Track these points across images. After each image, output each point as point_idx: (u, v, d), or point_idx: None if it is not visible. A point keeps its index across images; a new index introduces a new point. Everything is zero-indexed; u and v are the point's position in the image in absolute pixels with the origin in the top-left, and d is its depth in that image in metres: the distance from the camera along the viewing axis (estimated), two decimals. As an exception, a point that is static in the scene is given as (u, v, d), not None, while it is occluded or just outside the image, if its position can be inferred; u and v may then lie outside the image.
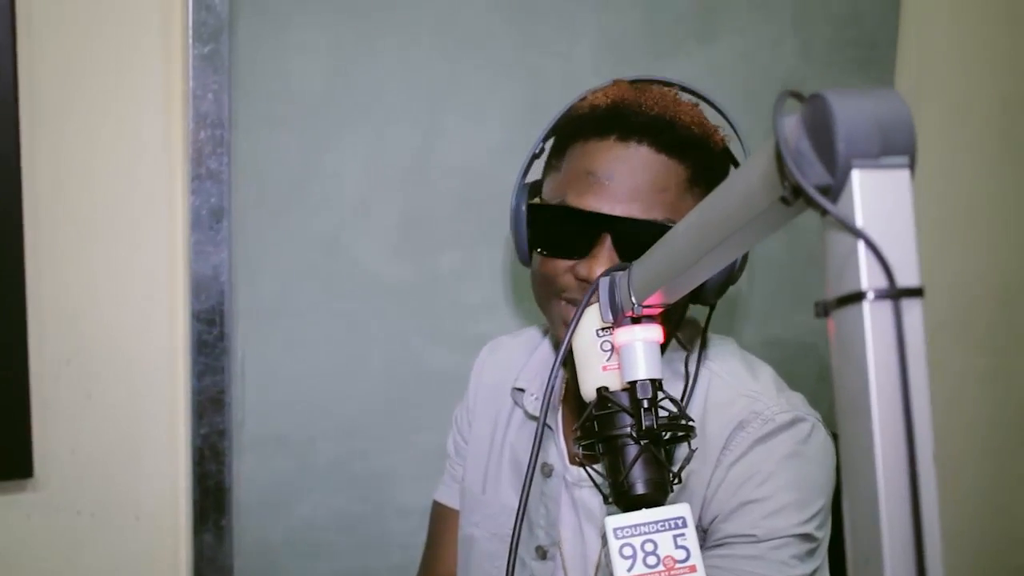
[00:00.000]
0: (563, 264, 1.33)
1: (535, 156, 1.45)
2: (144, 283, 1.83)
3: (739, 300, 2.25)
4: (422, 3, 1.97)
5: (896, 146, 0.62)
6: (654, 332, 1.05)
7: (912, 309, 0.61)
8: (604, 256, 1.28)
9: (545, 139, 1.43)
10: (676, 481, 1.08)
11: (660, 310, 1.05)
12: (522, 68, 2.05)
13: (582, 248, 1.31)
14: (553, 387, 1.13)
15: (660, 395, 1.05)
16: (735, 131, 1.39)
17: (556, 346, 1.44)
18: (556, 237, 1.35)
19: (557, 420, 1.48)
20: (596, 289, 1.10)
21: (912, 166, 0.63)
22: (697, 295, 1.37)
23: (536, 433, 1.13)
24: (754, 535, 1.28)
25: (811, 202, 0.64)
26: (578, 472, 1.43)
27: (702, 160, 1.32)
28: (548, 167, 1.42)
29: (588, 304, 1.11)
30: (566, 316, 1.34)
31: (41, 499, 1.81)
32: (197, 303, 1.84)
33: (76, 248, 1.78)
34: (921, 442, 0.61)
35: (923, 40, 2.37)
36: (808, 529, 1.28)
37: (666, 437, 1.07)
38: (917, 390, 0.60)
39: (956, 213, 2.42)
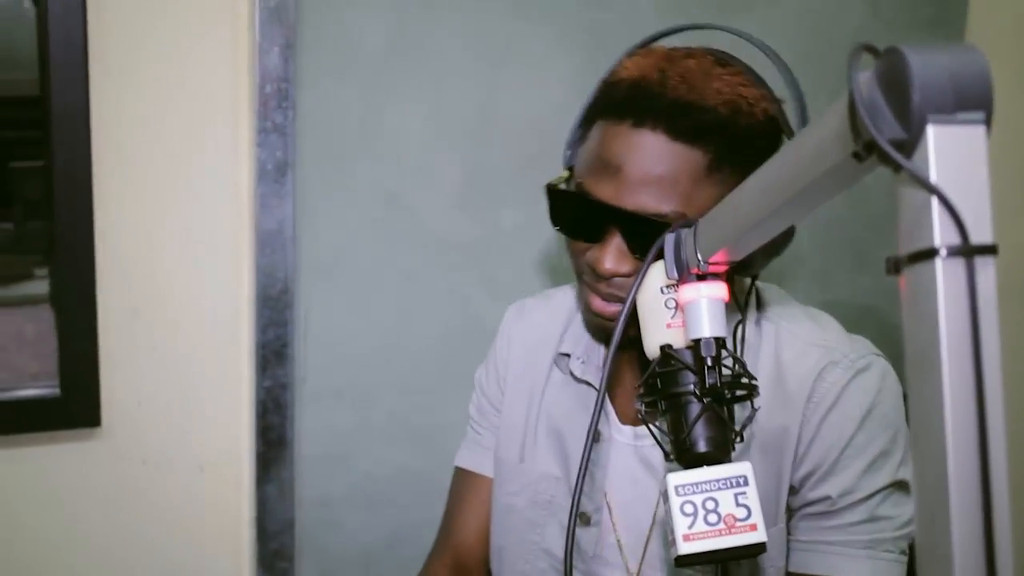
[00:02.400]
0: (579, 246, 1.32)
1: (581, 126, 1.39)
2: (210, 236, 1.85)
3: (798, 261, 2.24)
4: (485, -41, 1.96)
5: (972, 102, 0.62)
6: (719, 290, 1.04)
7: (986, 267, 0.60)
8: (613, 248, 1.26)
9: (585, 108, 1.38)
10: (739, 440, 1.08)
11: (726, 267, 1.04)
12: (584, 23, 2.04)
13: (593, 235, 1.28)
14: (612, 352, 1.12)
15: (724, 353, 1.05)
16: (798, 91, 1.29)
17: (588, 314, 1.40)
18: (569, 220, 1.33)
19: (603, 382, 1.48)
20: (662, 246, 1.09)
21: (988, 122, 0.62)
22: (740, 266, 1.34)
23: (597, 401, 1.12)
24: (855, 494, 1.29)
25: (885, 157, 0.63)
26: (631, 431, 1.43)
27: (727, 141, 1.24)
28: (580, 137, 1.38)
29: (653, 260, 1.11)
30: (585, 297, 1.33)
31: (108, 448, 1.85)
32: (262, 256, 1.86)
33: (143, 201, 1.80)
34: (991, 400, 0.60)
35: (995, -2, 2.33)
36: (901, 475, 1.31)
37: (729, 396, 1.07)
38: (989, 348, 0.60)
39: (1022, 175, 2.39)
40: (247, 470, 1.94)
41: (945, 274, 0.60)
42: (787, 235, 1.28)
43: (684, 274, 1.06)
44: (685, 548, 1.01)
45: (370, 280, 1.99)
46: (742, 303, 1.40)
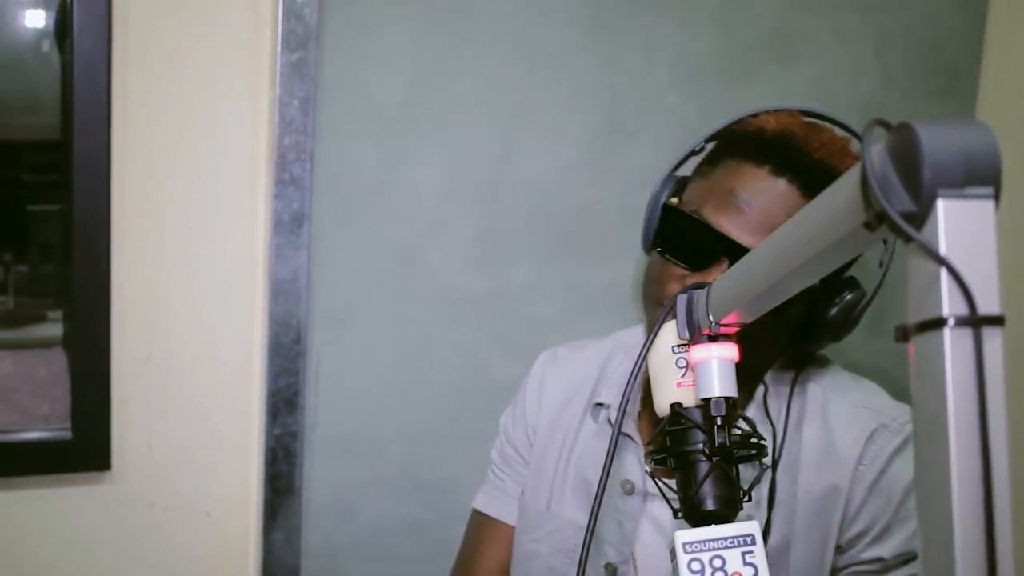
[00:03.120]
0: (676, 271, 1.35)
1: (694, 152, 1.45)
2: (224, 284, 1.87)
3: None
4: (502, 19, 1.99)
5: (981, 177, 0.64)
6: (730, 351, 1.06)
7: (992, 337, 0.62)
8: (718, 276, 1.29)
9: (709, 139, 1.44)
10: (746, 499, 1.09)
11: (736, 329, 1.06)
12: (600, 86, 2.07)
13: (700, 263, 1.32)
14: (629, 396, 1.14)
15: (735, 414, 1.07)
16: None
17: None
18: (679, 243, 1.37)
19: (638, 435, 1.49)
20: (674, 305, 1.11)
21: (997, 197, 0.64)
22: (812, 336, 1.38)
23: (610, 444, 1.15)
24: (906, 555, 1.33)
25: (896, 228, 0.65)
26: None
27: None
28: (698, 170, 1.43)
29: (665, 320, 1.13)
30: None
31: (117, 491, 1.86)
32: (275, 305, 1.88)
33: (160, 248, 1.82)
34: (997, 470, 0.62)
35: (1006, 69, 2.36)
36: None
37: (737, 455, 1.08)
38: (995, 418, 0.61)
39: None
40: (254, 517, 1.95)
41: (953, 343, 0.62)
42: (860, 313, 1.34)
43: (695, 334, 1.08)
44: (694, 606, 1.03)
45: (382, 332, 2.00)
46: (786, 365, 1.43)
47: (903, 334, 0.66)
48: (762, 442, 1.09)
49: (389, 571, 2.07)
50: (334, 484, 2.02)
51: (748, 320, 1.04)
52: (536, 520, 1.58)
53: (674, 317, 1.12)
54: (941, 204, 0.64)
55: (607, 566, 1.47)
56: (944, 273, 0.62)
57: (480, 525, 1.69)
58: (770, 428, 1.36)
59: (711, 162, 1.40)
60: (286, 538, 1.95)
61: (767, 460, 1.14)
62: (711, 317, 1.05)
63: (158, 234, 1.82)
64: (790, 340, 1.40)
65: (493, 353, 2.07)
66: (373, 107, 1.94)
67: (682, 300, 1.11)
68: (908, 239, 0.65)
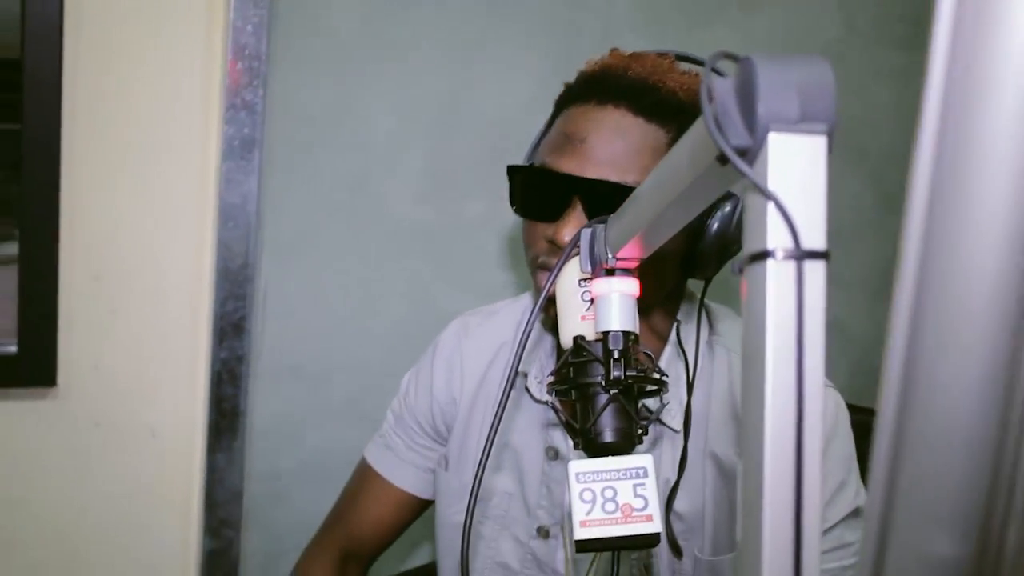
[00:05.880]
0: (539, 228, 1.34)
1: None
2: (175, 207, 1.88)
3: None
4: (463, -48, 2.00)
5: (816, 113, 0.65)
6: (630, 285, 1.07)
7: (815, 271, 0.63)
8: (574, 219, 1.28)
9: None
10: (643, 433, 1.11)
11: (635, 264, 1.07)
12: (558, 22, 2.07)
13: (554, 211, 1.31)
14: (525, 343, 1.15)
15: (635, 349, 1.08)
16: None
17: (544, 321, 1.43)
18: (529, 199, 1.37)
19: (559, 403, 1.50)
20: (578, 240, 1.13)
21: (830, 134, 0.65)
22: (692, 267, 1.36)
23: (499, 401, 1.15)
24: (823, 524, 1.32)
25: (728, 162, 0.67)
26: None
27: (688, 124, 1.29)
28: (541, 132, 1.44)
29: (570, 255, 1.14)
30: (540, 286, 1.35)
31: (62, 408, 1.88)
32: (224, 230, 1.90)
33: (111, 170, 1.83)
34: (810, 395, 0.63)
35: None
36: (859, 502, 1.35)
37: (636, 390, 1.10)
38: (812, 348, 0.63)
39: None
40: (199, 438, 1.97)
41: (775, 275, 0.64)
42: (736, 238, 1.31)
43: (596, 268, 1.09)
44: (582, 533, 1.04)
45: (331, 262, 2.02)
46: (690, 316, 1.43)
47: (739, 268, 0.68)
48: (663, 378, 1.11)
49: (330, 495, 2.09)
50: (279, 409, 2.05)
51: (643, 255, 1.05)
52: (462, 492, 1.56)
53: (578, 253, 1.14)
54: (772, 138, 0.65)
55: (539, 529, 1.49)
56: (771, 207, 0.64)
57: (364, 476, 1.70)
58: (684, 367, 1.37)
59: (550, 120, 1.41)
60: (229, 460, 1.98)
61: (667, 398, 1.15)
62: (608, 252, 1.06)
63: (109, 155, 1.83)
64: (681, 268, 1.39)
65: (442, 286, 2.09)
66: (329, 35, 1.95)
67: (586, 235, 1.11)
68: (742, 173, 0.66)
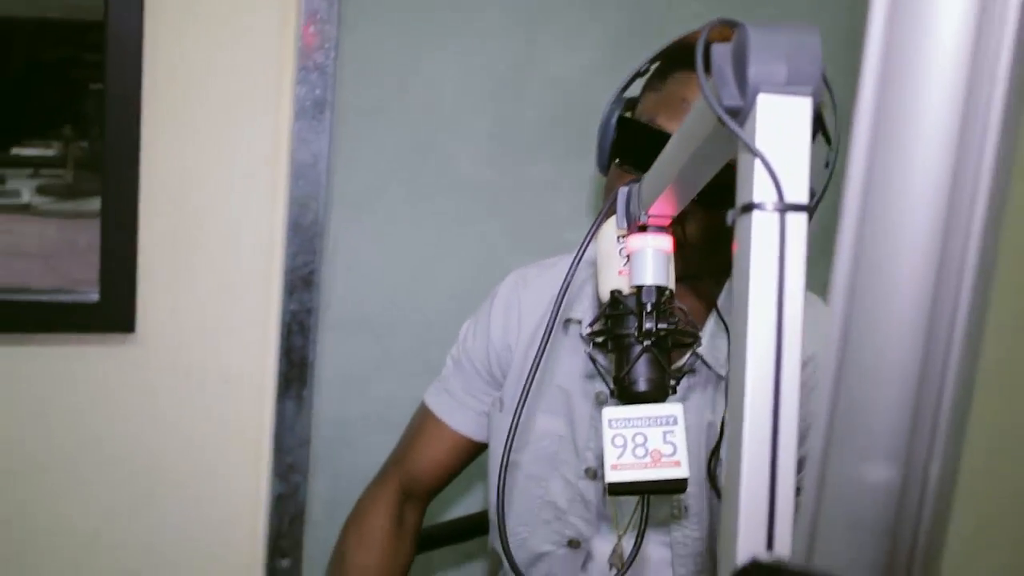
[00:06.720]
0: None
1: (639, 73, 1.49)
2: (249, 165, 1.95)
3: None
4: (531, -80, 2.04)
5: (802, 76, 0.71)
6: (663, 241, 1.12)
7: (796, 223, 0.69)
8: None
9: (652, 60, 1.48)
10: (676, 383, 1.16)
11: (667, 221, 1.12)
12: (625, -9, 2.11)
13: None
14: (567, 289, 1.21)
15: (669, 303, 1.13)
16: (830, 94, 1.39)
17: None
18: (638, 153, 1.41)
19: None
20: (615, 200, 1.18)
21: (815, 96, 0.71)
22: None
23: (542, 340, 1.20)
24: None
25: (721, 122, 0.73)
26: None
27: None
28: (648, 87, 1.48)
29: (609, 212, 1.20)
30: None
31: (140, 354, 1.97)
32: (296, 188, 1.97)
33: (189, 129, 1.91)
34: (788, 337, 0.69)
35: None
36: None
37: (669, 342, 1.15)
38: (791, 295, 0.69)
39: None
40: (270, 385, 2.06)
41: (760, 226, 0.70)
42: None
43: (631, 225, 1.15)
44: (612, 477, 1.10)
45: (398, 220, 2.09)
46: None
47: (731, 220, 0.74)
48: (694, 331, 1.16)
49: (393, 442, 2.18)
50: (346, 360, 2.12)
51: (672, 212, 1.10)
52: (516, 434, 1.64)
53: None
54: (761, 99, 0.71)
55: (587, 470, 1.57)
56: (757, 163, 0.69)
57: (424, 419, 1.80)
58: (726, 337, 1.41)
59: (661, 76, 1.45)
60: (298, 407, 2.06)
61: (702, 350, 1.20)
62: (641, 209, 1.11)
63: (187, 115, 1.91)
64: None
65: (507, 244, 2.15)
66: (398, 1, 2.00)
67: (622, 193, 1.17)
68: (733, 133, 0.72)
